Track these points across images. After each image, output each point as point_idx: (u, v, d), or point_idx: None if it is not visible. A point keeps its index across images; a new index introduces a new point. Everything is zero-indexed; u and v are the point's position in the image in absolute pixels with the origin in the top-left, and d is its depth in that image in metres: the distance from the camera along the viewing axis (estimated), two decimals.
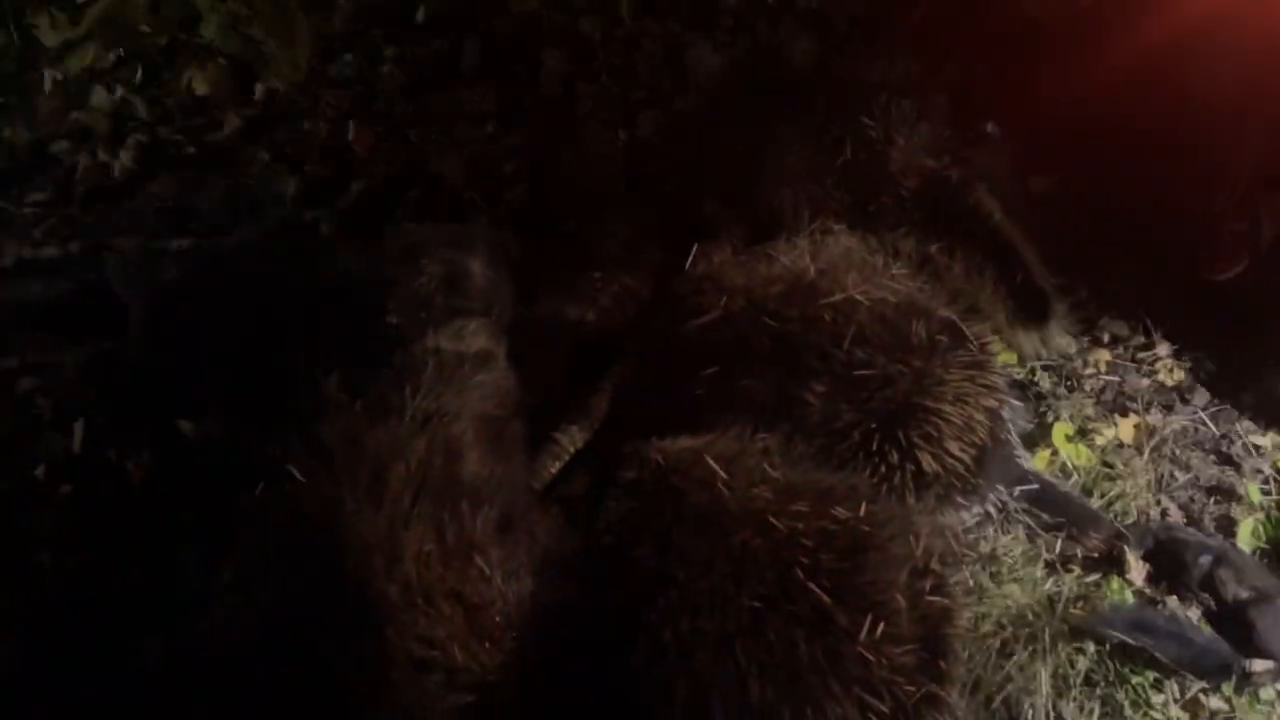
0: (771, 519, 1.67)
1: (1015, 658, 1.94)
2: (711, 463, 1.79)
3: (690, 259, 2.47)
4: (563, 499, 2.06)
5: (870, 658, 1.55)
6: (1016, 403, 2.30)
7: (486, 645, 1.65)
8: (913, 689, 1.56)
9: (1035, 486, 2.19)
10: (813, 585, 1.58)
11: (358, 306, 2.27)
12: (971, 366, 2.11)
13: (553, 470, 2.16)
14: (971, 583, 2.05)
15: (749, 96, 2.79)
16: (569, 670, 1.69)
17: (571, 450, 2.20)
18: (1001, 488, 2.15)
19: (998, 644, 1.98)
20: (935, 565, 1.70)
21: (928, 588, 1.66)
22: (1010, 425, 2.22)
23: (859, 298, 2.13)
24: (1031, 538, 2.18)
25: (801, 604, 1.58)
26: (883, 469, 1.96)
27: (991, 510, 2.16)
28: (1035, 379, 2.53)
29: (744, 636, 1.56)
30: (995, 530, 2.19)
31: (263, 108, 3.66)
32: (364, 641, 1.61)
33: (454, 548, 1.71)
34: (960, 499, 2.10)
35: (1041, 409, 2.48)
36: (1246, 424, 2.42)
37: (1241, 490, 2.26)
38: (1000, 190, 2.64)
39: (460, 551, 1.71)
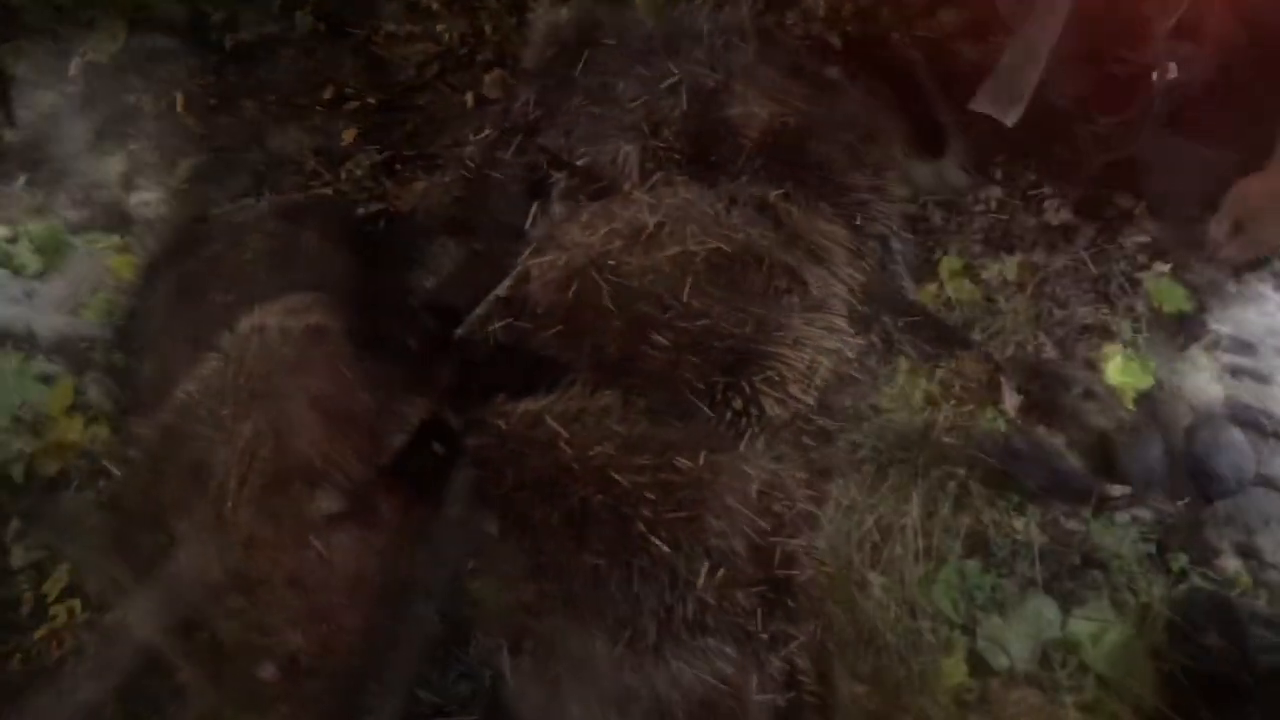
0: (613, 475, 1.70)
1: (889, 481, 2.05)
2: (552, 423, 1.80)
3: (530, 218, 2.39)
4: (409, 473, 1.98)
5: (711, 603, 1.61)
6: (907, 235, 2.31)
7: (326, 628, 1.66)
8: (790, 505, 1.67)
9: (919, 318, 2.25)
10: (652, 537, 1.63)
11: (182, 288, 2.19)
12: (810, 309, 2.11)
13: (396, 444, 2.08)
14: (851, 408, 2.12)
15: (590, 50, 2.61)
16: (415, 649, 1.75)
17: (416, 422, 2.11)
18: (886, 317, 2.22)
19: (873, 469, 2.09)
20: (776, 507, 1.75)
21: (769, 530, 1.71)
22: (900, 257, 2.28)
23: (695, 248, 2.10)
24: (913, 367, 2.26)
25: (641, 556, 1.62)
26: (728, 416, 1.95)
27: (876, 340, 2.23)
28: (927, 213, 2.52)
29: (587, 595, 1.62)
30: (878, 360, 2.25)
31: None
32: (197, 634, 1.65)
33: (289, 532, 1.70)
34: (808, 440, 2.10)
35: (930, 243, 2.49)
36: (1124, 264, 2.40)
37: (1114, 328, 2.29)
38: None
39: (295, 536, 1.70)
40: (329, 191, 2.81)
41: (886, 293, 2.22)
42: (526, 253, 2.20)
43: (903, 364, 2.25)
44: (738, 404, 1.97)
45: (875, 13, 2.50)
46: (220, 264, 2.21)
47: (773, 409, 2.00)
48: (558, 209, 2.38)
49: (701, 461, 1.69)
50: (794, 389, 2.02)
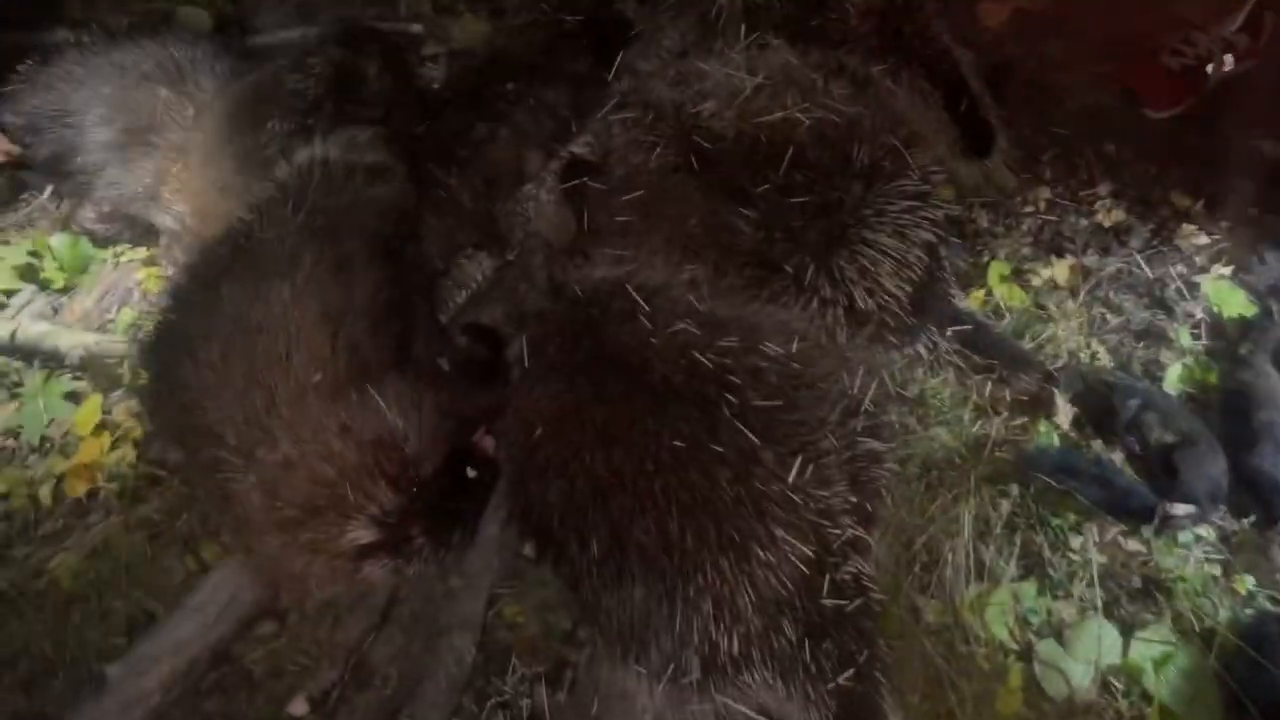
0: (696, 354, 1.58)
1: (938, 500, 1.95)
2: (633, 293, 1.68)
3: (613, 69, 2.29)
4: (472, 329, 1.93)
5: (797, 500, 1.50)
6: (954, 240, 2.20)
7: (382, 484, 1.57)
8: (838, 532, 1.54)
9: (968, 327, 2.14)
10: (739, 424, 1.51)
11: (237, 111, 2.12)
12: (914, 197, 1.99)
13: (458, 299, 2.07)
14: (899, 424, 2.02)
15: None
16: (474, 512, 1.67)
17: (479, 278, 2.11)
18: (934, 328, 2.10)
19: (922, 487, 2.00)
20: (868, 405, 1.64)
21: (859, 428, 1.61)
22: (946, 263, 2.16)
23: (799, 116, 1.96)
24: (961, 380, 2.16)
25: (727, 444, 1.51)
26: (815, 303, 1.89)
27: (922, 350, 2.12)
28: (973, 215, 2.42)
29: (665, 476, 1.50)
30: (925, 371, 2.17)
31: None
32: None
33: (344, 376, 1.59)
34: (892, 338, 2.04)
35: (978, 247, 2.41)
36: (1181, 267, 2.31)
37: (1172, 334, 2.21)
38: (950, 17, 2.47)
39: (351, 380, 1.59)
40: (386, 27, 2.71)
41: (934, 301, 2.10)
42: (609, 105, 2.08)
43: (951, 375, 2.14)
44: (826, 290, 1.90)
45: (917, 6, 2.36)
46: (278, 88, 2.14)
47: (862, 300, 1.92)
48: (642, 65, 2.30)
49: (794, 348, 1.57)
50: (887, 281, 1.93)
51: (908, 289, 1.98)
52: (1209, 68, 2.49)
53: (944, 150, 2.41)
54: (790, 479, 1.48)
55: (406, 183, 1.96)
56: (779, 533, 1.49)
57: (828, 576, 1.55)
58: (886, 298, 1.96)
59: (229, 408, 1.57)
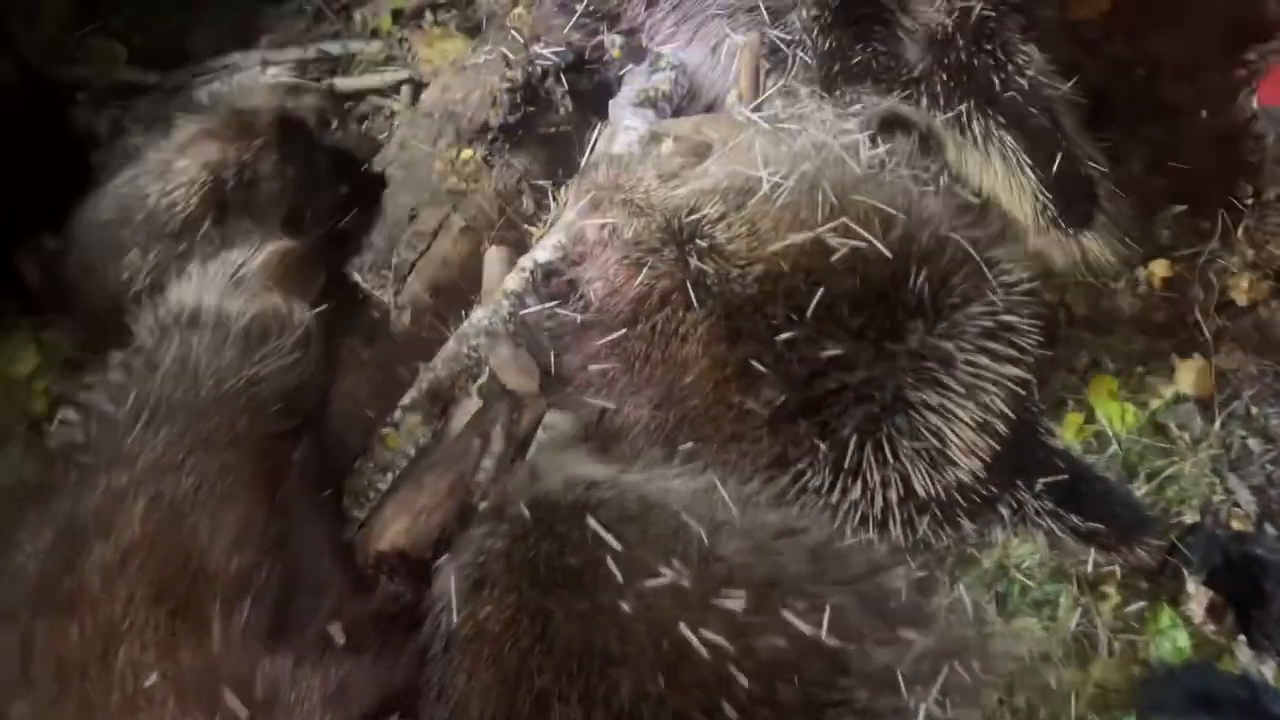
0: (685, 630, 1.13)
1: None
2: (596, 527, 1.24)
3: (590, 146, 1.81)
4: (386, 561, 1.42)
5: None
6: (1040, 350, 1.63)
7: None
8: None
9: (1064, 477, 1.57)
10: None
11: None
12: (994, 332, 1.47)
13: (379, 489, 1.55)
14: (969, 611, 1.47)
15: None
16: None
17: (411, 451, 1.58)
18: (1021, 480, 1.56)
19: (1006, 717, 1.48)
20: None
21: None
22: (1034, 393, 1.59)
23: (830, 241, 1.42)
24: (1056, 548, 1.63)
25: None
26: (856, 493, 1.42)
27: (1004, 512, 1.57)
28: (1067, 301, 1.84)
29: None
30: (1007, 534, 1.61)
31: None
32: None
33: (194, 675, 1.15)
34: (964, 520, 1.53)
35: (1074, 351, 1.81)
36: None
37: None
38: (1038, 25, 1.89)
39: (203, 682, 1.15)
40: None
41: (1017, 440, 1.53)
42: (581, 205, 1.59)
43: (1042, 541, 1.61)
44: (874, 476, 1.41)
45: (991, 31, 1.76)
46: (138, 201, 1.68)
47: (924, 484, 1.42)
48: (629, 122, 1.83)
49: (825, 623, 1.11)
50: (957, 453, 1.43)
51: (986, 459, 1.42)
52: None
53: (1027, 219, 1.83)
54: None
55: (308, 337, 1.42)
56: None
57: None
58: (957, 474, 1.41)
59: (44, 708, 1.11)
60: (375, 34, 2.51)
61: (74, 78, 2.41)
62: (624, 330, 1.51)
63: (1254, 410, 1.78)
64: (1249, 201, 2.04)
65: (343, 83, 2.39)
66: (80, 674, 1.15)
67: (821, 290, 1.39)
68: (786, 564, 1.23)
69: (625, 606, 1.17)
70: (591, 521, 1.23)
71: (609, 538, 1.22)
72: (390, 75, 2.42)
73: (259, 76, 2.36)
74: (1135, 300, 1.90)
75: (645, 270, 1.50)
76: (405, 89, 2.36)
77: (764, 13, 1.80)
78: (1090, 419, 1.79)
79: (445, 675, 1.23)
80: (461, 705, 1.21)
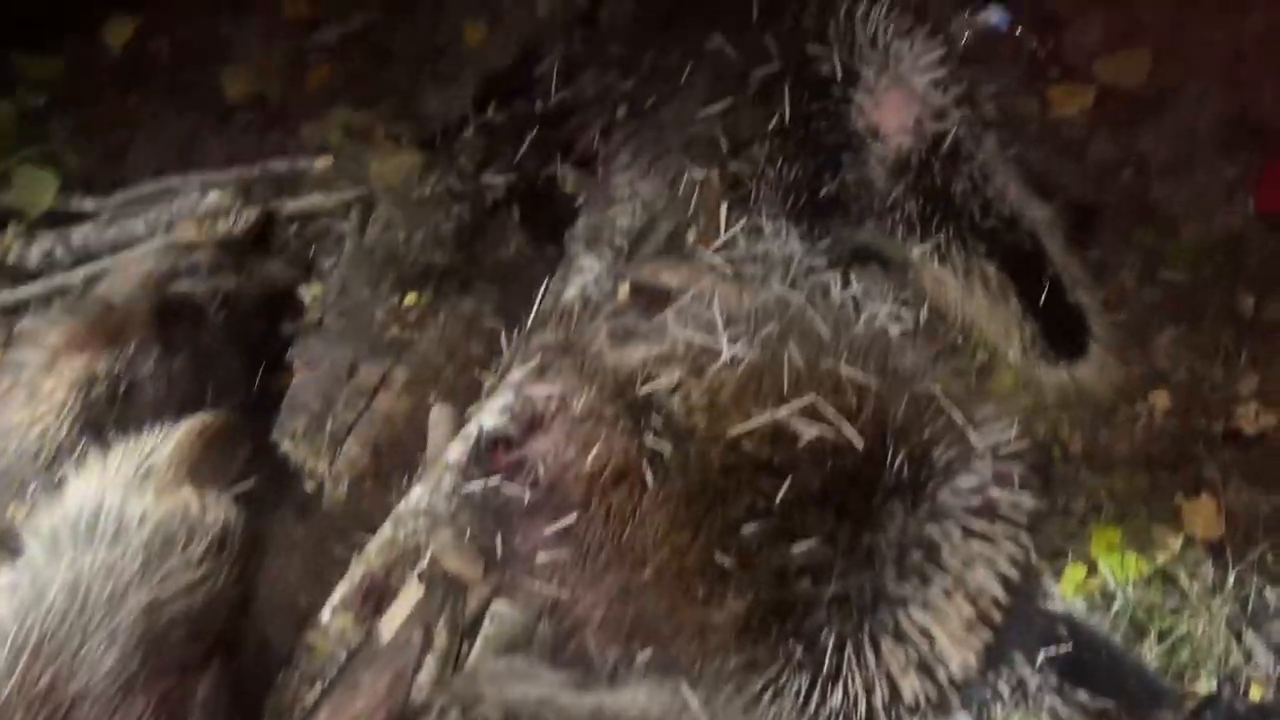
0: None
1: None
2: None
3: (539, 297, 1.66)
4: None
5: None
6: (1031, 503, 1.48)
7: None
8: None
9: (1067, 647, 1.44)
10: None
11: None
12: (983, 509, 1.32)
13: (305, 705, 1.38)
14: None
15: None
16: None
17: (339, 662, 1.41)
18: (1019, 655, 1.42)
19: None
20: None
21: None
22: (1030, 544, 1.42)
23: (798, 426, 1.28)
24: None
25: None
26: (837, 699, 1.28)
27: (1004, 690, 1.43)
28: (1062, 440, 1.69)
29: None
30: (1007, 714, 1.45)
31: None
32: None
33: None
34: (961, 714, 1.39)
35: (1070, 495, 1.65)
36: None
37: None
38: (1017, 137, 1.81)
39: None
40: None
41: (1014, 607, 1.37)
42: (528, 369, 1.46)
43: None
44: (856, 681, 1.26)
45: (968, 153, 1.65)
46: None
47: (914, 689, 1.27)
48: (584, 263, 1.71)
49: None
50: (948, 645, 1.28)
51: (980, 650, 1.27)
52: None
53: (1015, 353, 1.70)
54: None
55: (223, 544, 1.27)
56: None
57: None
58: (949, 670, 1.26)
59: None
60: (324, 149, 2.38)
61: (4, 208, 2.27)
62: (575, 514, 1.36)
63: (1270, 556, 1.62)
64: (1250, 317, 1.90)
65: (288, 205, 2.26)
66: None
67: (789, 479, 1.24)
68: None
69: None
70: None
71: None
72: (339, 195, 2.29)
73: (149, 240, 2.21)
74: (1135, 435, 1.74)
75: (597, 446, 1.35)
76: (355, 212, 2.23)
77: (724, 144, 1.68)
78: (1093, 572, 1.63)
79: None
80: None
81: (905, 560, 1.29)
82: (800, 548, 1.25)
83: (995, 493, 1.35)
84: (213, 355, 1.57)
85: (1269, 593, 1.63)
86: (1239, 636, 1.59)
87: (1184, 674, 1.57)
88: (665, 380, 1.37)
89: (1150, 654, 1.57)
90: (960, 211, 1.70)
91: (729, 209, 1.67)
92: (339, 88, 2.53)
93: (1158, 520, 1.70)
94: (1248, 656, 1.58)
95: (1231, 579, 1.62)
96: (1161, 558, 1.65)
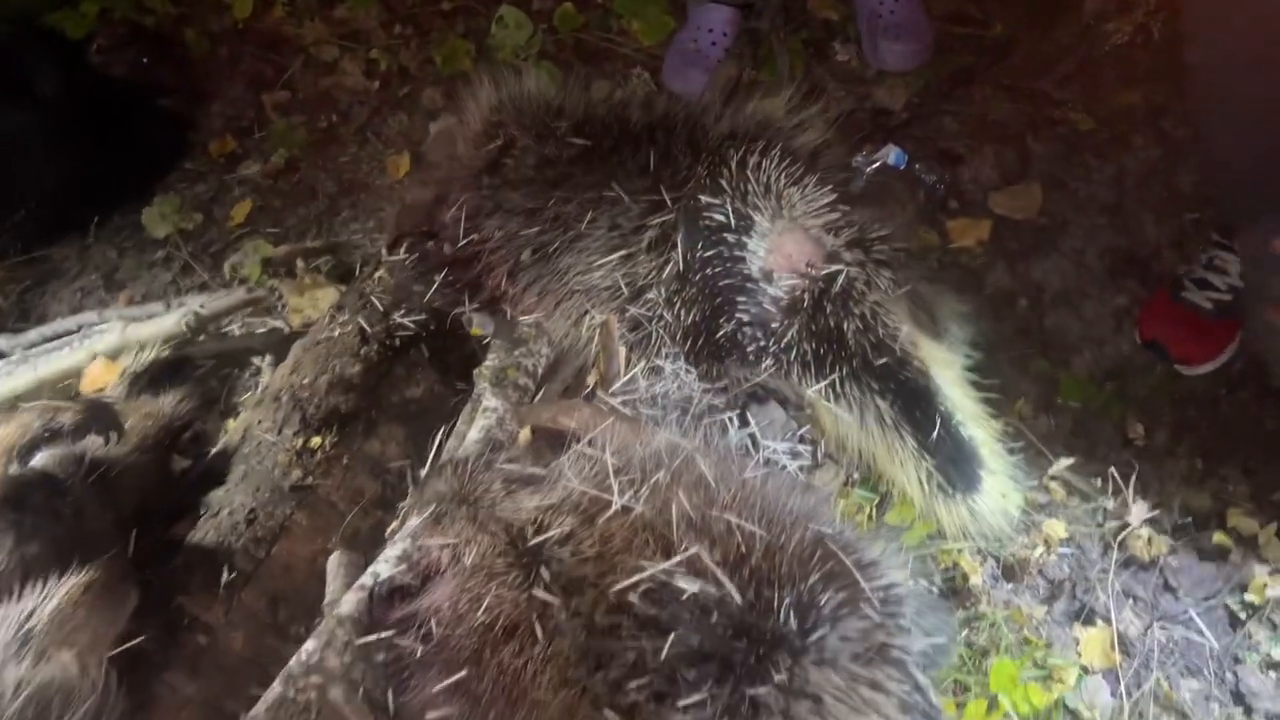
0: None
1: None
2: None
3: (435, 443, 1.64)
4: None
5: None
6: (922, 644, 1.49)
7: None
8: None
9: None
10: None
11: None
12: (868, 655, 1.33)
13: None
14: None
15: (546, 148, 1.92)
16: None
17: None
18: None
19: None
20: None
21: None
22: (928, 696, 1.43)
23: (681, 582, 1.29)
24: None
25: None
26: None
27: None
28: (962, 571, 1.72)
29: None
30: None
31: None
32: None
33: None
34: None
35: (970, 627, 1.67)
36: (1262, 633, 1.60)
37: None
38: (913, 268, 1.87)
39: None
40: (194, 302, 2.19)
41: None
42: (423, 516, 1.46)
43: None
44: None
45: (860, 291, 1.70)
46: None
47: None
48: (490, 403, 1.70)
49: None
50: None
51: None
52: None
53: (912, 487, 1.74)
54: None
55: (110, 694, 1.25)
56: None
57: None
58: None
59: None
60: (244, 283, 2.40)
61: None
62: (466, 670, 1.35)
63: (1164, 680, 1.65)
64: (1141, 444, 1.97)
65: (201, 341, 2.26)
66: None
67: (672, 637, 1.24)
68: None
69: None
70: None
71: None
72: (257, 330, 2.30)
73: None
74: (1031, 565, 1.77)
75: (488, 599, 1.36)
76: (268, 352, 2.24)
77: (624, 289, 1.73)
78: (994, 706, 1.63)
79: None
80: None
81: (790, 713, 1.29)
82: (684, 701, 1.25)
83: (884, 636, 1.36)
84: (81, 524, 1.53)
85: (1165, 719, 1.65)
86: None
87: None
88: (556, 531, 1.38)
89: None
90: (853, 350, 1.74)
91: (629, 350, 1.71)
92: (260, 221, 2.56)
93: (1055, 650, 1.71)
94: None
95: (1128, 709, 1.63)
96: (1059, 689, 1.65)
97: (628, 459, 1.46)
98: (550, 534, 1.38)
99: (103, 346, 2.15)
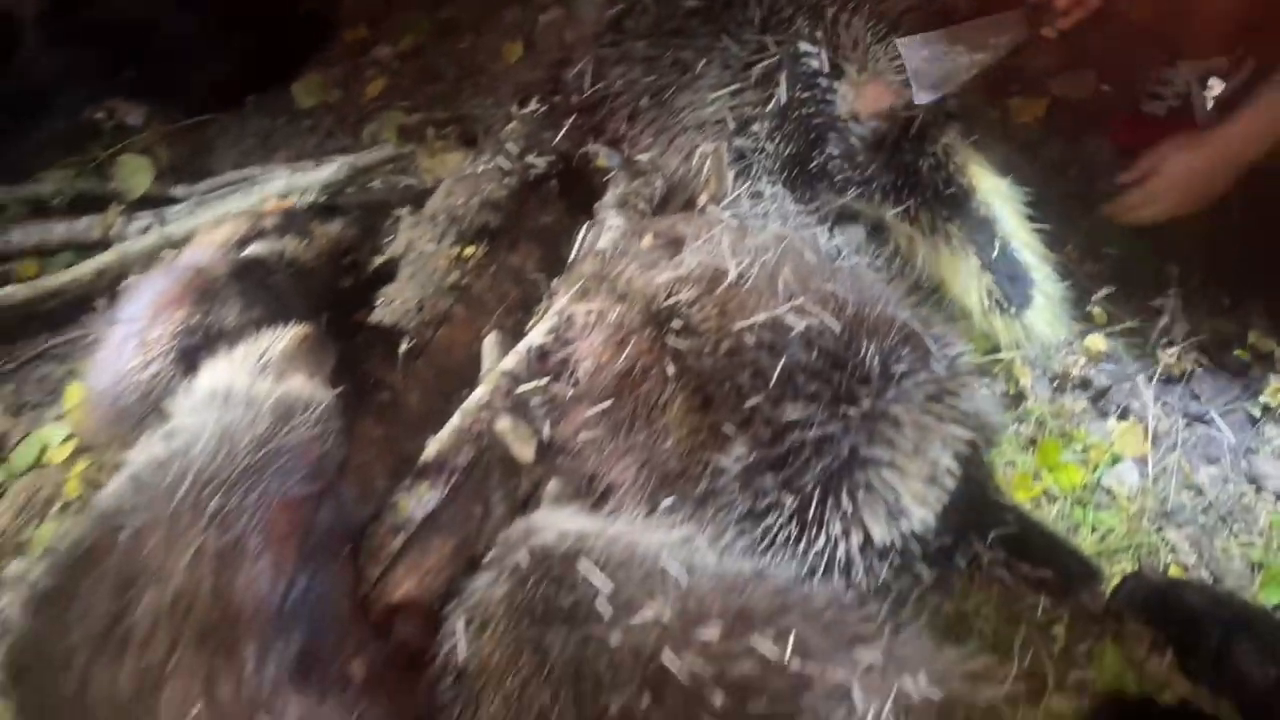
0: (667, 659, 1.28)
1: None
2: (590, 570, 1.38)
3: (578, 244, 1.98)
4: (400, 611, 1.58)
5: None
6: (991, 419, 1.81)
7: None
8: None
9: (1012, 530, 1.74)
10: None
11: None
12: (938, 396, 1.64)
13: (391, 549, 1.67)
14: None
15: (662, 9, 2.21)
16: None
17: (417, 521, 1.71)
18: (973, 535, 1.72)
19: None
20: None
21: None
22: (984, 451, 1.74)
23: (789, 320, 1.61)
24: (1009, 598, 1.76)
25: None
26: (820, 542, 1.57)
27: (961, 562, 1.73)
28: (1014, 376, 2.02)
29: None
30: (964, 585, 1.76)
31: None
32: None
33: (231, 709, 1.29)
34: (921, 567, 1.66)
35: (1020, 417, 2.00)
36: (1272, 429, 1.88)
37: (1263, 520, 1.79)
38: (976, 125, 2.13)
39: (239, 715, 1.30)
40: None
41: (971, 504, 1.70)
42: (570, 294, 1.78)
43: (996, 592, 1.76)
44: (836, 527, 1.55)
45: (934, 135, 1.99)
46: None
47: (882, 533, 1.57)
48: (614, 221, 1.98)
49: (790, 645, 1.27)
50: (910, 504, 1.57)
51: (937, 507, 1.59)
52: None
53: (973, 301, 2.04)
54: None
55: (330, 412, 1.59)
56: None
57: None
58: (911, 524, 1.58)
59: None
60: (382, 148, 2.75)
61: (107, 191, 2.63)
62: (610, 402, 1.68)
63: (1186, 466, 1.94)
64: (1176, 284, 2.24)
65: (348, 198, 2.61)
66: (131, 710, 1.29)
67: (783, 361, 1.57)
68: (756, 602, 1.39)
69: (614, 639, 1.32)
70: (583, 565, 1.39)
71: (599, 580, 1.38)
72: (396, 185, 2.65)
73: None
74: (1075, 371, 2.07)
75: (628, 349, 1.68)
76: (406, 205, 2.58)
77: (730, 124, 2.04)
78: (1037, 478, 1.94)
79: (455, 706, 1.37)
80: None
81: (874, 429, 1.61)
82: (790, 415, 1.58)
83: (949, 385, 1.68)
84: (286, 303, 1.90)
85: (1186, 496, 1.94)
86: (1158, 530, 1.90)
87: (1112, 558, 1.87)
88: (684, 295, 1.71)
89: (1084, 542, 1.88)
90: (927, 183, 2.04)
91: (734, 176, 2.02)
92: (393, 97, 2.90)
93: (1093, 439, 2.01)
94: (1169, 548, 1.88)
95: (1150, 482, 1.93)
96: (1096, 469, 1.96)
97: (741, 244, 1.78)
98: (679, 297, 1.70)
99: (273, 189, 2.50)
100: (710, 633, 1.32)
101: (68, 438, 2.21)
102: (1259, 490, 1.91)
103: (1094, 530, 1.87)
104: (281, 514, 1.45)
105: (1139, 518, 1.88)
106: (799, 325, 1.58)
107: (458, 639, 1.40)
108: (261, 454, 1.47)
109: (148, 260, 2.42)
